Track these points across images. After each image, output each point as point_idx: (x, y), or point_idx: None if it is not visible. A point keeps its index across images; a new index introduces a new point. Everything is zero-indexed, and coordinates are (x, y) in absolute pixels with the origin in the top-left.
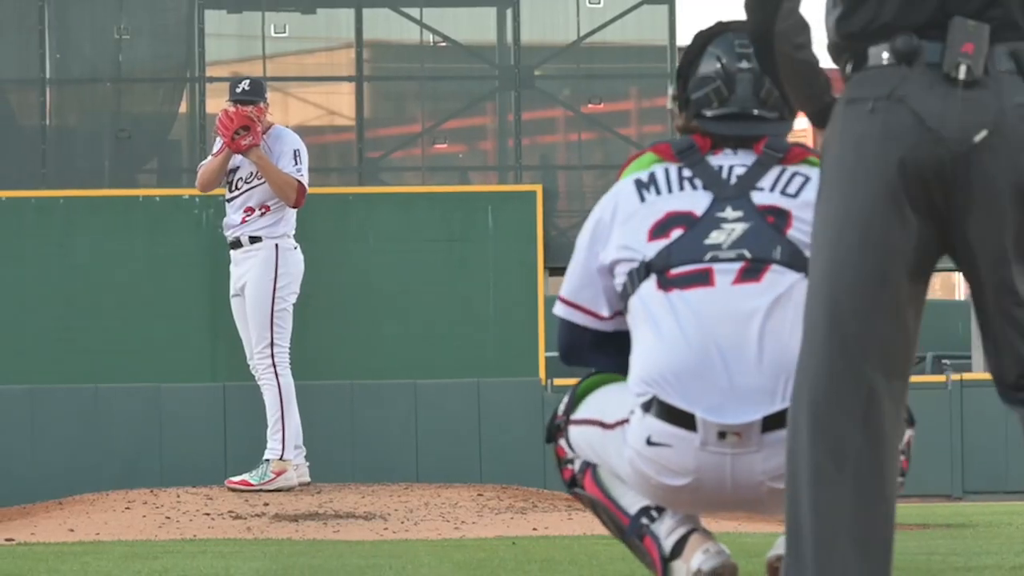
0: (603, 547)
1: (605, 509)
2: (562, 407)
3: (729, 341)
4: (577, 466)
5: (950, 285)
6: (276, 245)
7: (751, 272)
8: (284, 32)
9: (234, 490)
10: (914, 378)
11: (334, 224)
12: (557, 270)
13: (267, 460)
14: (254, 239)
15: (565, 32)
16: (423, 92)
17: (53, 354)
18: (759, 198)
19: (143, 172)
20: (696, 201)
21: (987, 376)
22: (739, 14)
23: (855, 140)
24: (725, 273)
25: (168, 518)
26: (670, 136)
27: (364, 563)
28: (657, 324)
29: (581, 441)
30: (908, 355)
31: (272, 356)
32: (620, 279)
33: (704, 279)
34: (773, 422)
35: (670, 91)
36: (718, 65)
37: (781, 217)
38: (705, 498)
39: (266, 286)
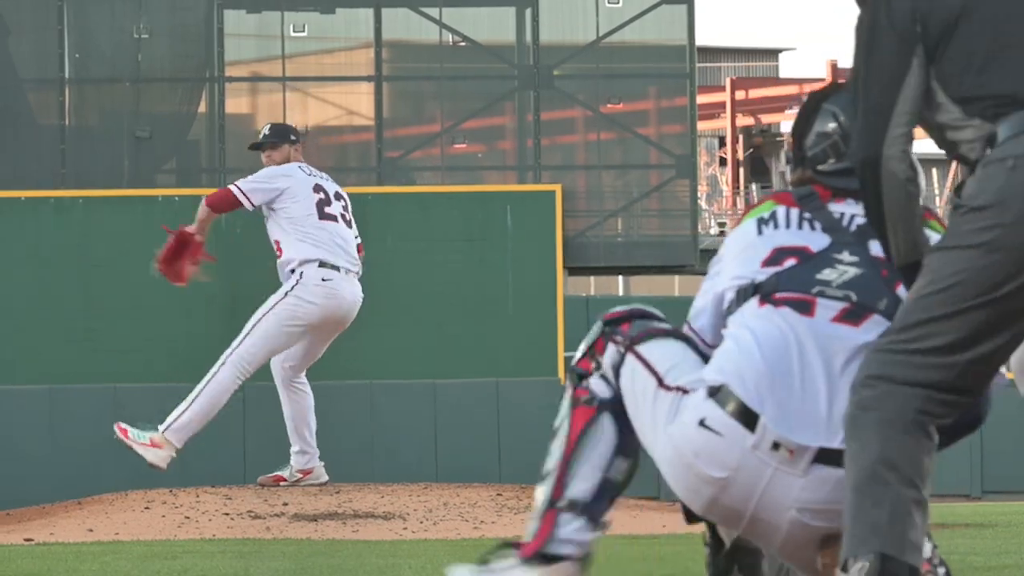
0: (623, 547)
1: (560, 454)
2: (632, 329)
3: (811, 367)
4: (595, 386)
5: None
6: (298, 272)
7: (852, 315)
8: (303, 32)
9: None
10: None
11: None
12: (576, 270)
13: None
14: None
15: (584, 32)
16: (442, 92)
17: (72, 354)
18: (876, 249)
19: (162, 172)
20: (813, 240)
21: (1004, 377)
22: (749, 14)
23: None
24: (827, 308)
25: (187, 518)
26: (689, 135)
27: (383, 563)
28: (751, 329)
29: (631, 380)
30: None
31: (232, 354)
32: (728, 299)
33: (806, 308)
34: (826, 458)
35: (783, 154)
36: (834, 123)
37: (894, 271)
38: (724, 504)
39: (272, 300)
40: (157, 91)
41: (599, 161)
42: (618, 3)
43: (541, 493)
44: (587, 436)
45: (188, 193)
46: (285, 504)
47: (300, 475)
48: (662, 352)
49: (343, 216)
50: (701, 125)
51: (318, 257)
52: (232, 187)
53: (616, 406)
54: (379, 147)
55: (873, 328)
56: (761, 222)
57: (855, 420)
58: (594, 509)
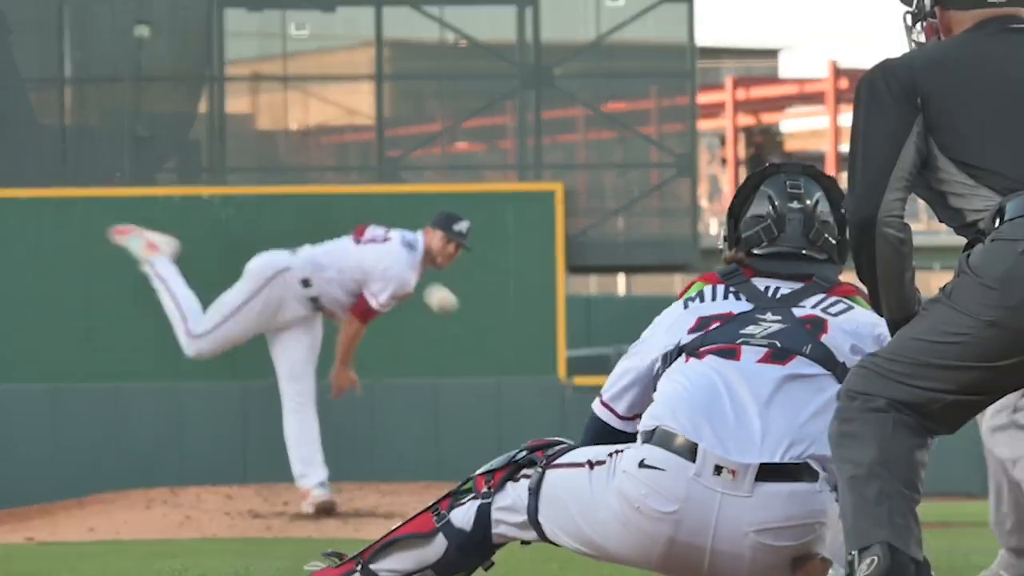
0: None
1: (388, 531)
2: (549, 450)
3: (741, 399)
4: (456, 516)
5: None
6: None
7: (778, 356)
8: (304, 31)
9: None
10: None
11: (354, 223)
12: (577, 269)
13: None
14: None
15: (585, 31)
16: (443, 91)
17: (73, 353)
18: (799, 312)
19: (162, 171)
20: (736, 307)
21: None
22: (750, 14)
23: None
24: (752, 352)
25: (188, 517)
26: (690, 134)
27: None
28: (679, 377)
29: (556, 487)
30: None
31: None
32: (656, 367)
33: (731, 354)
34: (769, 475)
35: (722, 232)
36: (769, 206)
37: (818, 325)
38: (682, 542)
39: None
40: (158, 90)
41: (600, 160)
42: (619, 2)
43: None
44: (411, 540)
45: (188, 192)
46: (285, 503)
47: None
48: (580, 451)
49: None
50: (702, 124)
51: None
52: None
53: (460, 538)
54: (380, 146)
55: (799, 366)
56: (688, 300)
57: (842, 430)
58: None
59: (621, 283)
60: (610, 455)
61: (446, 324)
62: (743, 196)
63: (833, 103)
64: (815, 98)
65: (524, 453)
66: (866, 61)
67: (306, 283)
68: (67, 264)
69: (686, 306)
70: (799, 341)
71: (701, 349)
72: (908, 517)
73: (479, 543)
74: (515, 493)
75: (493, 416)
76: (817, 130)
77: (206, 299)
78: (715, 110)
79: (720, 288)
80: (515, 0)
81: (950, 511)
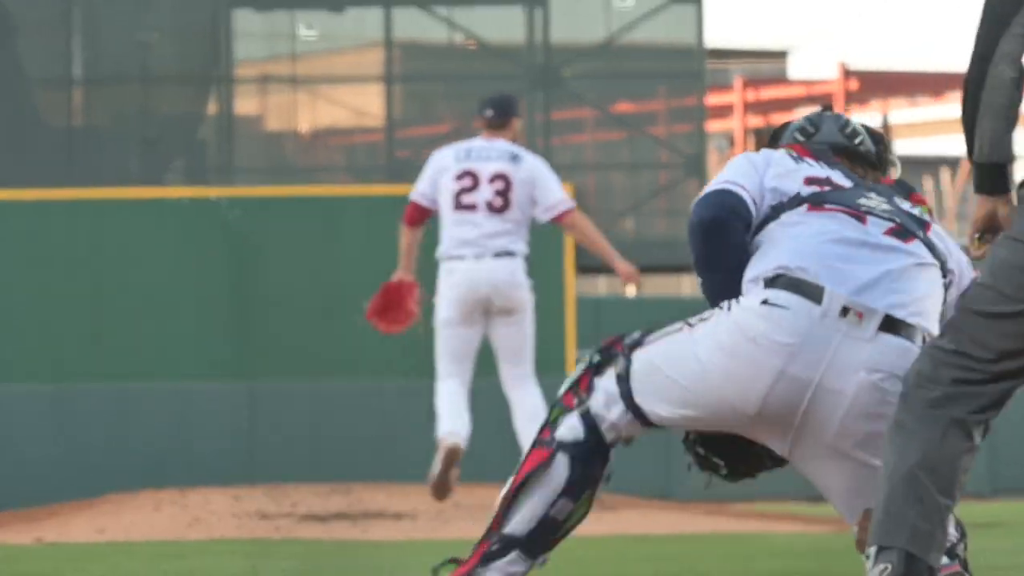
0: (631, 547)
1: (508, 492)
2: (628, 339)
3: (872, 257)
4: (558, 429)
5: None
6: (440, 265)
7: (901, 234)
8: (313, 31)
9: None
10: None
11: (364, 224)
12: (586, 269)
13: None
14: None
15: (593, 32)
16: (452, 92)
17: (80, 354)
18: (899, 203)
19: (170, 172)
20: (840, 179)
21: None
22: (758, 15)
23: None
24: (877, 224)
25: (197, 518)
26: (699, 135)
27: (393, 563)
28: (806, 223)
29: (648, 362)
30: None
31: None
32: (768, 202)
33: (858, 218)
34: (890, 327)
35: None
36: (805, 122)
37: (920, 221)
38: (791, 376)
39: None
40: (166, 91)
41: (608, 161)
42: (628, 3)
43: (490, 521)
44: (535, 476)
45: (196, 194)
46: (294, 504)
47: None
48: (668, 327)
49: (489, 204)
50: (710, 125)
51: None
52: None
53: (576, 449)
54: (389, 147)
55: (918, 249)
56: (791, 156)
57: (899, 419)
58: (529, 545)
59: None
60: (716, 310)
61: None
62: (775, 133)
63: (843, 104)
64: (824, 99)
65: (597, 356)
66: (875, 62)
67: None
68: (74, 265)
69: (796, 161)
70: (912, 224)
71: (826, 205)
72: (935, 523)
73: (596, 448)
74: (605, 387)
75: (503, 417)
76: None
77: (210, 298)
78: (724, 111)
79: (821, 161)
80: (524, 1)
81: (960, 512)
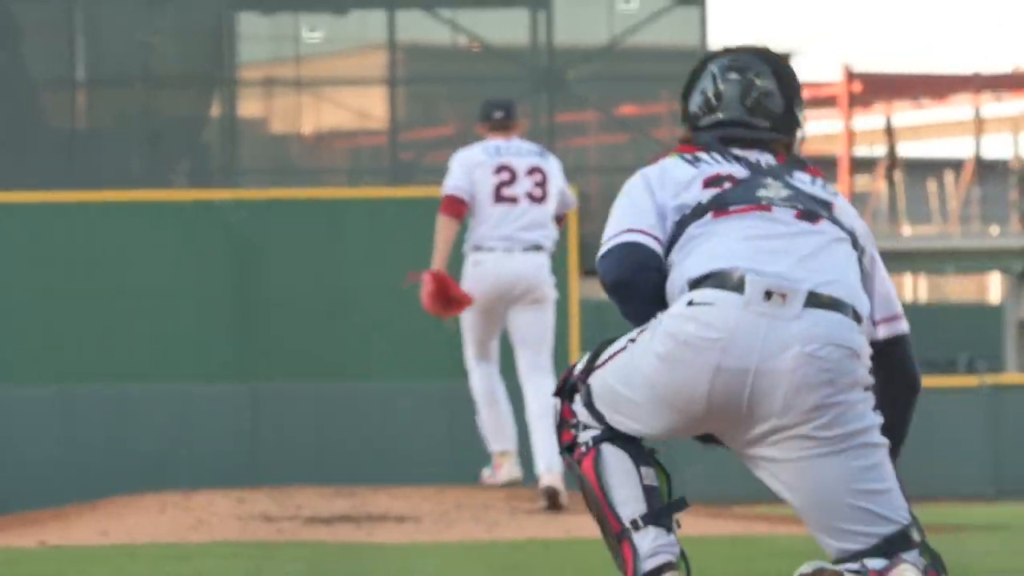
0: None
1: (596, 501)
2: (580, 365)
3: (787, 244)
4: (582, 438)
5: (983, 288)
6: (468, 257)
7: (807, 217)
8: (317, 34)
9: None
10: (947, 381)
11: (367, 226)
12: (591, 272)
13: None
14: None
15: (597, 35)
16: (455, 94)
17: (83, 355)
18: (797, 184)
19: (173, 174)
20: (737, 171)
21: (1020, 379)
22: (767, 19)
23: None
24: (783, 211)
25: (200, 521)
26: None
27: (397, 566)
28: (717, 231)
29: (604, 382)
30: None
31: (466, 358)
32: (669, 225)
33: (764, 210)
34: (816, 302)
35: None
36: (709, 80)
37: (823, 201)
38: (728, 369)
39: None
40: (169, 93)
41: (612, 164)
42: (631, 6)
43: (602, 528)
44: (603, 471)
45: (199, 196)
46: (298, 507)
47: (494, 468)
48: (617, 342)
49: (530, 195)
50: None
51: (474, 242)
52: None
53: (605, 436)
54: (393, 149)
55: (828, 227)
56: (685, 160)
57: None
58: (656, 516)
59: None
60: (652, 321)
61: (457, 329)
62: (691, 77)
63: (846, 106)
64: (827, 101)
65: (564, 387)
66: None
67: None
68: (77, 267)
69: (693, 165)
70: (815, 207)
71: (730, 208)
72: None
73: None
74: (581, 414)
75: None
76: (830, 134)
77: (219, 301)
78: None
79: (713, 153)
80: (528, 4)
81: (962, 514)
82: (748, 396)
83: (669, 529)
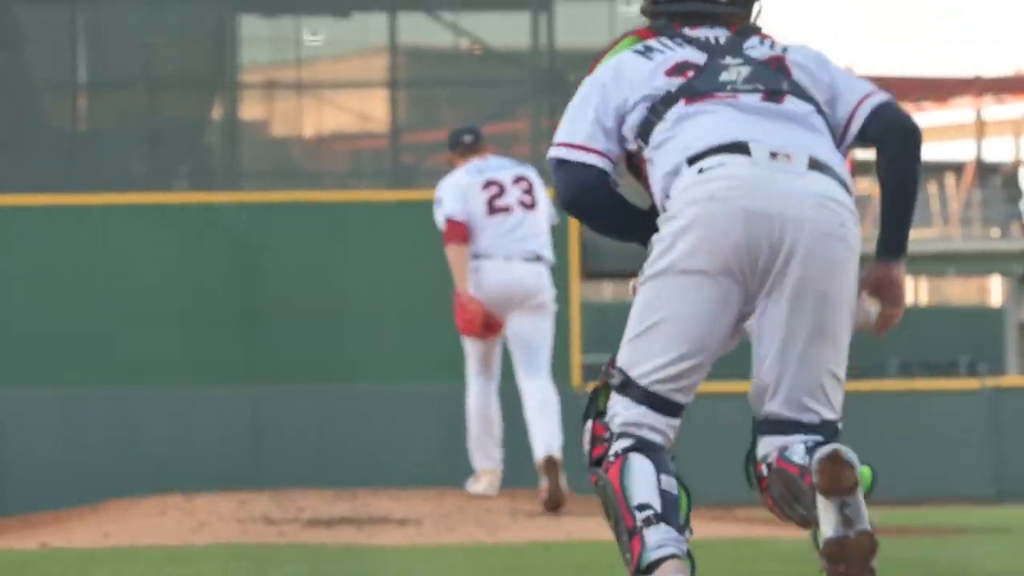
0: None
1: (615, 502)
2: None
3: (766, 122)
4: (613, 448)
5: (984, 290)
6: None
7: (771, 97)
8: (318, 37)
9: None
10: (949, 384)
11: (368, 229)
12: (592, 274)
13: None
14: None
15: (599, 37)
16: (457, 97)
17: (85, 358)
18: (754, 54)
19: (175, 177)
20: (693, 55)
21: (1021, 381)
22: (765, 21)
23: None
24: (749, 95)
25: (202, 523)
26: None
27: (398, 568)
28: (693, 114)
29: (627, 345)
30: None
31: (467, 370)
32: (638, 115)
33: (732, 98)
34: (818, 166)
35: None
36: None
37: (780, 64)
38: (755, 211)
39: None
40: (170, 96)
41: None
42: (633, 8)
43: (616, 528)
44: (627, 476)
45: (201, 199)
46: (300, 509)
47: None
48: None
49: (521, 203)
50: None
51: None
52: (444, 223)
53: (636, 446)
54: (394, 152)
55: (793, 104)
56: (640, 53)
57: None
58: (668, 517)
59: None
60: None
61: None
62: None
63: None
64: None
65: (590, 407)
66: (880, 68)
67: None
68: (79, 270)
69: (648, 58)
70: (776, 81)
71: (699, 96)
72: None
73: (651, 444)
74: (613, 407)
75: (507, 422)
76: None
77: (215, 305)
78: None
79: (664, 39)
80: (529, 6)
81: (964, 517)
82: (777, 241)
83: (680, 530)
